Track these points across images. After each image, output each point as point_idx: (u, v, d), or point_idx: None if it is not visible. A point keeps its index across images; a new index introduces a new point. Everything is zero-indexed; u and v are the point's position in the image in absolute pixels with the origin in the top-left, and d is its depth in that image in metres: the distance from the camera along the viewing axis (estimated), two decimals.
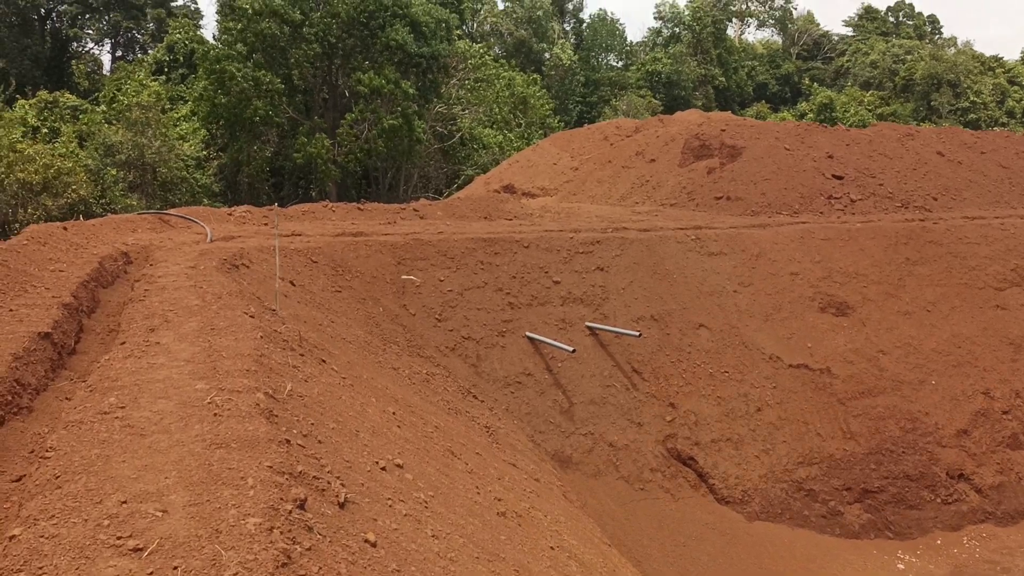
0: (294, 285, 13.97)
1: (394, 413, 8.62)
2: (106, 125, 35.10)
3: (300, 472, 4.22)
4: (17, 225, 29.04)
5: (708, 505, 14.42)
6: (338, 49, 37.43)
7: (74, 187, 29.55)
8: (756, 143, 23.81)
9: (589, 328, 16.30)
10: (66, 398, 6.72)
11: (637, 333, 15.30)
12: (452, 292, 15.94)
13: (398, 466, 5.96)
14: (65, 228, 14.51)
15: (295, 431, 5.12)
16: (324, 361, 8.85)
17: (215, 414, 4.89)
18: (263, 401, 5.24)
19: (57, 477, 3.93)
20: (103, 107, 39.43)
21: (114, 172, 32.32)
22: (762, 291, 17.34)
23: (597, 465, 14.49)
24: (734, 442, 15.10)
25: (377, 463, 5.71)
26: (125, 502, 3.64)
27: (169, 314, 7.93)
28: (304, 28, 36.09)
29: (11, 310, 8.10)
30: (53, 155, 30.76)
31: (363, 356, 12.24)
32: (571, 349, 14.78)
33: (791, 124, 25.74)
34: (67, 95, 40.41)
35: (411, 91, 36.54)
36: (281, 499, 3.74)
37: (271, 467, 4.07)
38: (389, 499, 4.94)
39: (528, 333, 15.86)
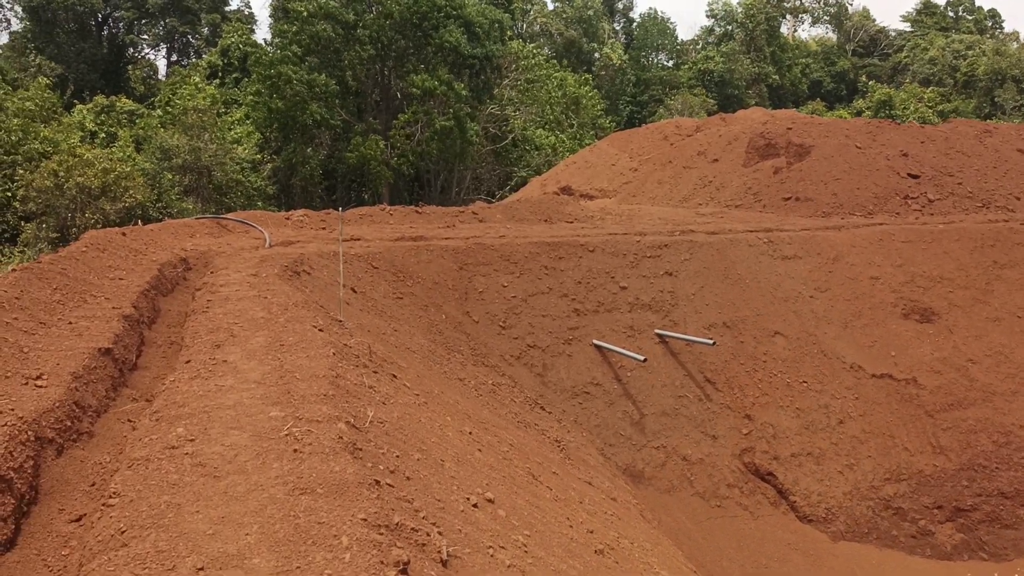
0: (356, 292, 13.53)
1: (471, 433, 8.05)
2: (162, 129, 35.24)
3: (397, 524, 3.67)
4: (75, 229, 29.17)
5: (790, 524, 13.64)
6: (391, 51, 37.14)
7: (132, 191, 29.60)
8: (825, 141, 22.86)
9: (658, 335, 15.61)
10: (128, 420, 6.28)
11: (711, 341, 14.57)
12: (516, 298, 15.37)
13: (489, 501, 5.38)
14: (124, 234, 14.24)
15: (382, 467, 4.57)
16: (395, 377, 8.32)
17: (295, 450, 4.36)
18: (345, 432, 4.70)
19: (123, 532, 3.42)
20: (159, 111, 39.65)
21: (170, 176, 32.39)
22: (840, 297, 16.48)
23: (671, 480, 13.80)
24: (815, 457, 14.29)
25: (468, 499, 5.14)
26: (202, 569, 3.11)
27: (234, 328, 7.46)
28: (358, 30, 35.84)
29: (70, 323, 7.71)
30: (111, 159, 30.88)
31: (429, 367, 11.74)
32: (642, 358, 14.10)
33: (861, 121, 24.71)
34: (124, 99, 40.75)
35: (464, 92, 36.09)
36: (382, 563, 3.18)
37: (365, 520, 3.52)
38: (490, 547, 4.36)
39: (595, 341, 15.23)
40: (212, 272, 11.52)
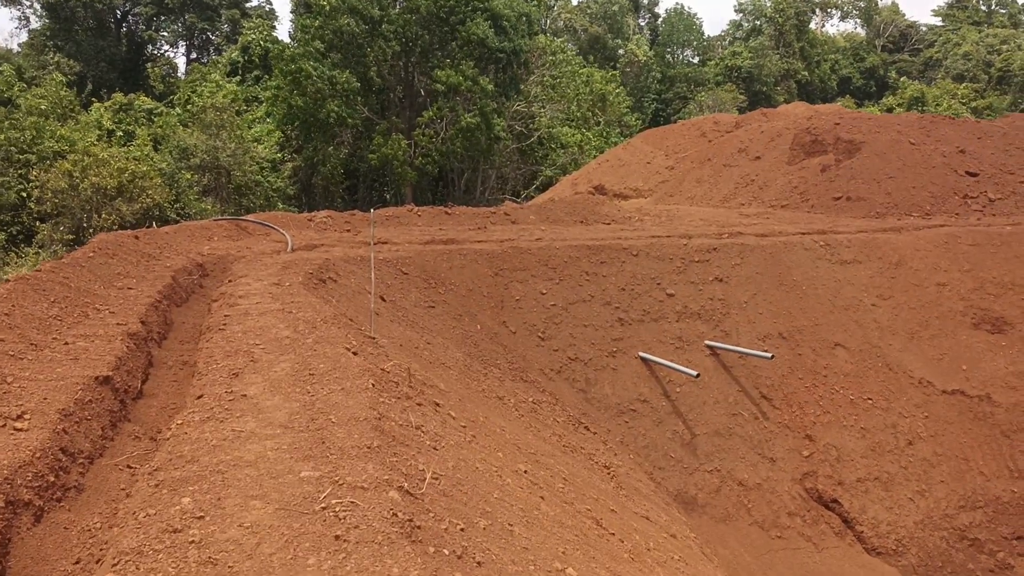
0: (385, 300, 12.49)
1: (526, 472, 6.97)
2: (181, 128, 34.40)
3: None
4: (91, 231, 28.35)
5: (857, 556, 12.46)
6: (416, 46, 36.11)
7: (149, 191, 28.75)
8: (876, 137, 21.61)
9: (709, 347, 14.47)
10: (128, 466, 5.24)
11: (768, 354, 13.41)
12: (556, 306, 14.29)
13: None
14: (136, 237, 13.30)
15: (447, 551, 3.49)
16: (438, 405, 7.25)
17: (336, 536, 3.29)
18: (399, 505, 3.63)
19: None
20: (178, 109, 38.85)
21: (188, 176, 31.53)
22: (905, 305, 15.27)
23: (726, 508, 12.66)
24: (883, 482, 13.11)
25: None
26: None
27: (255, 350, 6.42)
28: (383, 25, 34.83)
29: (67, 344, 6.69)
30: (128, 158, 30.05)
31: (467, 386, 10.69)
32: (695, 373, 12.97)
33: (913, 116, 23.44)
34: (142, 98, 39.99)
35: (490, 87, 34.99)
36: None
37: None
38: None
39: (641, 353, 14.11)
40: (231, 280, 10.50)
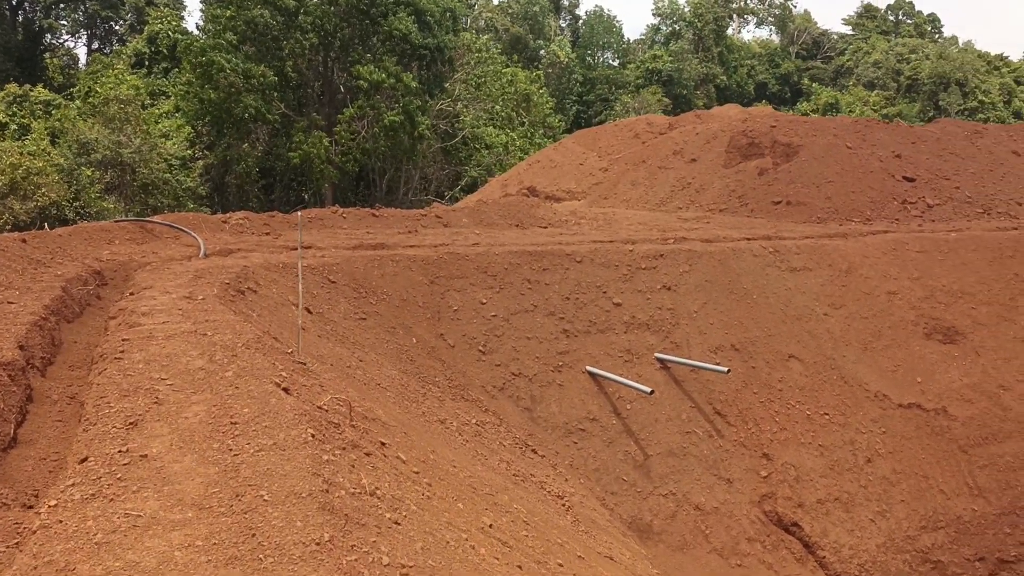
0: (311, 312, 11.23)
1: (491, 526, 5.88)
2: (81, 121, 32.08)
3: None
4: None
5: None
6: (335, 39, 34.53)
7: (45, 189, 26.54)
8: (813, 141, 21.23)
9: (659, 360, 13.62)
10: None
11: (724, 368, 12.62)
12: (496, 317, 13.23)
13: None
14: (24, 241, 11.70)
15: None
16: (384, 445, 6.10)
17: None
18: None
19: None
20: (78, 102, 36.36)
21: (89, 172, 29.31)
22: (857, 314, 14.72)
23: (683, 535, 11.79)
24: (844, 503, 12.45)
25: None
26: None
27: (161, 387, 5.16)
28: (300, 16, 33.16)
29: None
30: (21, 153, 27.74)
31: (405, 408, 9.56)
32: (648, 390, 12.09)
33: (848, 120, 23.19)
34: (39, 89, 37.30)
35: (413, 84, 33.70)
36: None
37: None
38: None
39: (589, 368, 13.17)
40: (132, 293, 9.11)
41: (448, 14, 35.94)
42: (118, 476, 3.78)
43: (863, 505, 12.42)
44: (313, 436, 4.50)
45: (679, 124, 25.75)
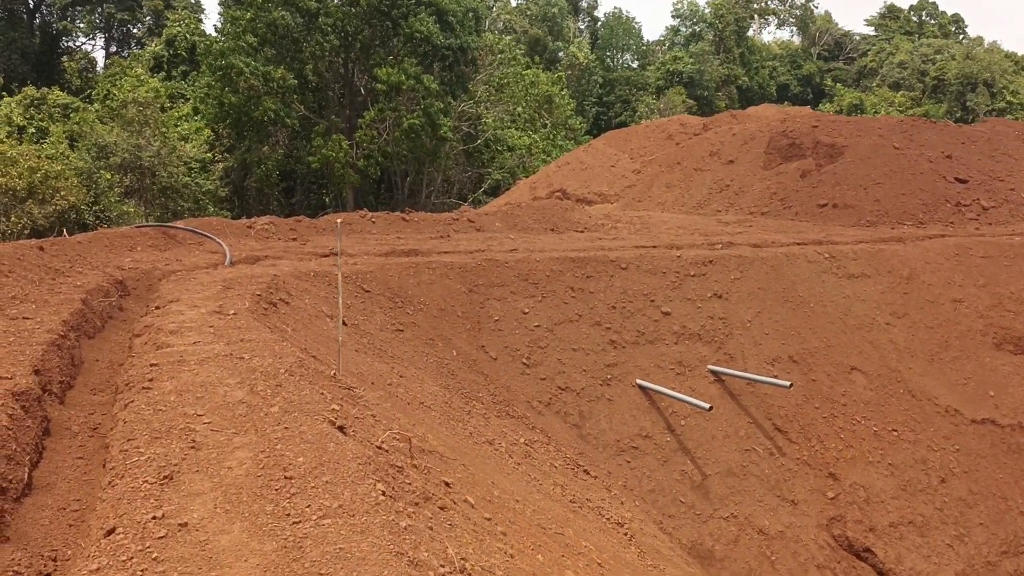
0: (346, 325, 10.46)
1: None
2: (99, 124, 31.52)
3: None
4: None
5: None
6: (356, 41, 33.84)
7: (63, 192, 25.94)
8: (858, 141, 20.32)
9: (713, 373, 12.78)
10: None
11: (787, 383, 11.76)
12: (540, 328, 12.43)
13: None
14: (41, 248, 10.97)
15: None
16: (448, 486, 5.31)
17: None
18: None
19: None
20: (96, 105, 35.84)
21: (108, 176, 28.71)
22: (921, 323, 13.82)
23: (747, 561, 10.94)
24: (918, 526, 11.57)
25: None
26: None
27: (196, 427, 4.39)
28: (320, 18, 32.47)
29: None
30: (40, 157, 27.17)
31: (451, 429, 8.80)
32: (707, 406, 11.25)
33: (893, 119, 22.28)
34: (57, 92, 36.81)
35: (434, 86, 32.94)
36: None
37: None
38: None
39: (639, 381, 12.35)
40: (158, 307, 8.36)
41: (470, 14, 35.20)
42: (153, 555, 3.00)
43: (939, 529, 11.53)
44: (384, 493, 3.71)
45: (714, 125, 24.88)
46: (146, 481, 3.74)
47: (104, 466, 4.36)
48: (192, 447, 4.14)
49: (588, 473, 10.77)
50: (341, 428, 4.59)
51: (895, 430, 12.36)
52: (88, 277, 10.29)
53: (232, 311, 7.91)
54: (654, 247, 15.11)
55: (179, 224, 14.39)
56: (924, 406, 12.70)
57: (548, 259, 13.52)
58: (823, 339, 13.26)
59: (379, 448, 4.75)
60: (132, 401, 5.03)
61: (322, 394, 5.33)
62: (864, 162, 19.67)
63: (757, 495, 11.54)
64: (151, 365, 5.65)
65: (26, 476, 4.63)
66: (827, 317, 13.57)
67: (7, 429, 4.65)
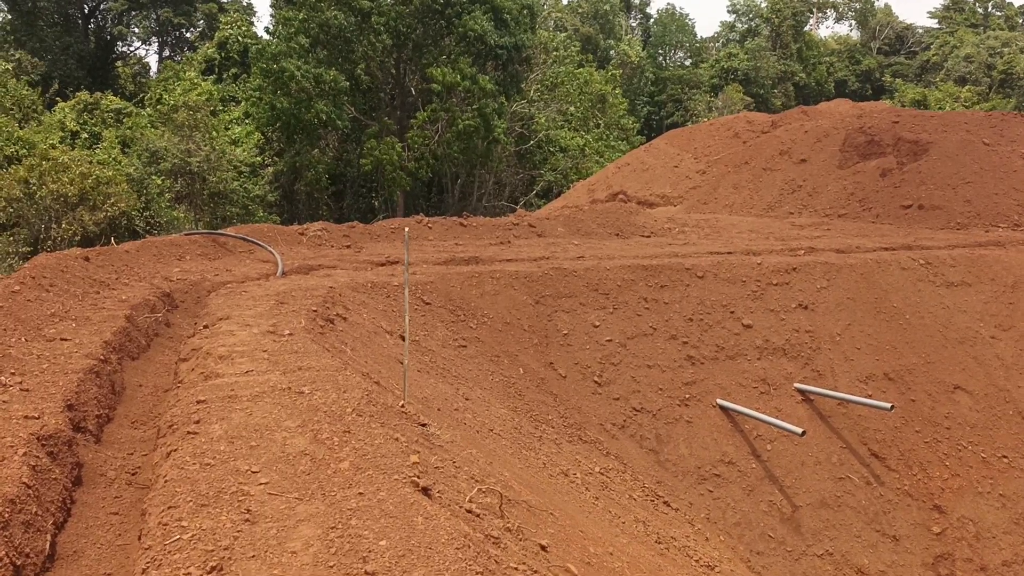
0: (404, 340, 9.67)
1: None
2: (150, 129, 31.33)
3: None
4: (50, 243, 25.29)
5: None
6: (408, 41, 33.22)
7: (114, 199, 25.67)
8: (944, 137, 19.04)
9: (800, 391, 11.76)
10: None
11: (888, 405, 10.69)
12: (612, 343, 11.54)
13: None
14: (87, 259, 10.39)
15: None
16: (545, 550, 4.46)
17: None
18: None
19: None
20: (149, 109, 35.74)
21: (159, 181, 28.44)
22: None
23: None
24: None
25: None
26: None
27: (252, 490, 3.59)
28: (373, 17, 31.89)
29: None
30: (91, 163, 26.97)
31: (525, 461, 7.97)
32: (800, 431, 10.25)
33: (980, 114, 20.92)
34: (110, 97, 36.81)
35: (490, 86, 32.17)
36: None
37: None
38: None
39: (720, 401, 11.39)
40: (207, 326, 7.63)
41: (526, 11, 34.35)
42: None
43: None
44: None
45: (783, 122, 23.70)
46: (188, 573, 2.94)
47: (140, 539, 3.57)
48: (247, 520, 3.34)
49: (668, 505, 9.84)
50: (425, 490, 3.76)
51: (1005, 456, 11.22)
52: (134, 290, 9.66)
53: (287, 331, 7.15)
54: (729, 253, 14.13)
55: (230, 231, 13.77)
56: None
57: (618, 267, 12.62)
58: (922, 355, 12.15)
59: (470, 513, 3.91)
60: (176, 450, 4.26)
61: (397, 439, 4.51)
62: (951, 160, 18.41)
63: (854, 530, 10.50)
64: (198, 402, 4.88)
65: (47, 546, 3.87)
66: (925, 330, 12.45)
67: (28, 488, 3.90)
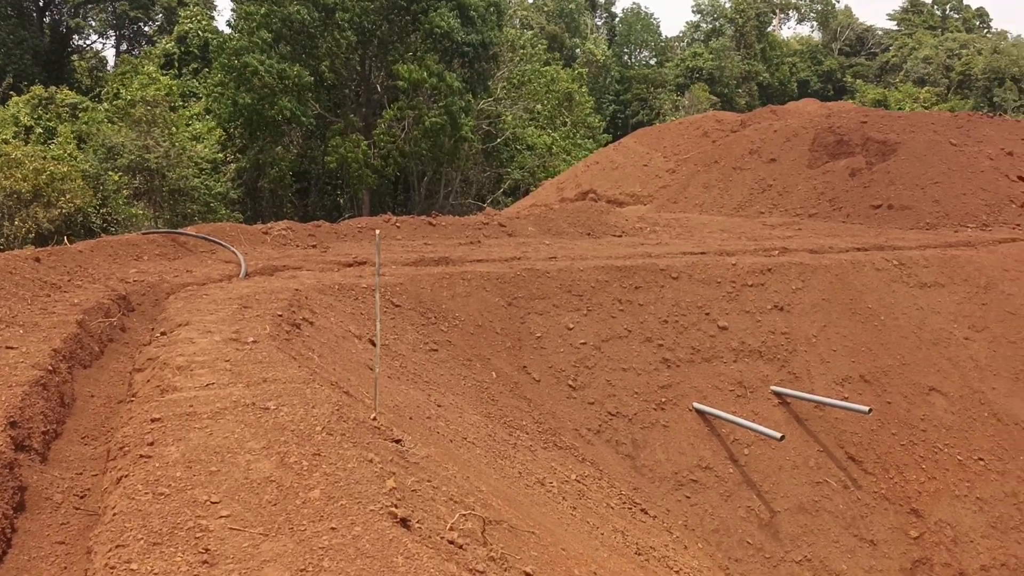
0: (374, 345, 9.33)
1: None
2: (107, 124, 30.50)
3: None
4: (3, 241, 24.50)
5: None
6: (374, 37, 32.70)
7: (69, 195, 24.92)
8: (912, 137, 19.06)
9: (776, 394, 11.58)
10: None
11: (866, 408, 10.54)
12: (586, 345, 11.27)
13: None
14: (38, 259, 9.91)
15: None
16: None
17: None
18: None
19: None
20: (106, 104, 34.84)
21: (116, 177, 27.66)
22: (1003, 338, 12.59)
23: None
24: (1012, 569, 10.35)
25: None
26: None
27: (210, 524, 3.24)
28: (337, 13, 31.33)
29: None
30: (45, 158, 26.16)
31: (500, 470, 7.69)
32: (779, 436, 10.06)
33: (946, 114, 21.00)
34: (65, 91, 35.84)
35: (456, 84, 31.77)
36: None
37: None
38: None
39: (696, 404, 11.16)
40: (164, 332, 7.22)
41: (493, 8, 33.99)
42: None
43: None
44: None
45: (752, 121, 23.63)
46: None
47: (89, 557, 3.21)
48: (204, 561, 2.99)
49: (646, 513, 9.60)
50: (404, 522, 3.43)
51: (981, 459, 11.13)
52: (88, 293, 9.18)
53: (251, 338, 6.77)
54: (703, 254, 13.94)
55: (190, 230, 13.27)
56: (1012, 431, 11.46)
57: (592, 268, 12.35)
58: (897, 356, 12.04)
59: (452, 544, 3.59)
60: (126, 476, 3.88)
61: (371, 460, 4.18)
62: (920, 160, 18.42)
63: (832, 535, 10.33)
64: (152, 420, 4.50)
65: None
66: (900, 331, 12.35)
67: None
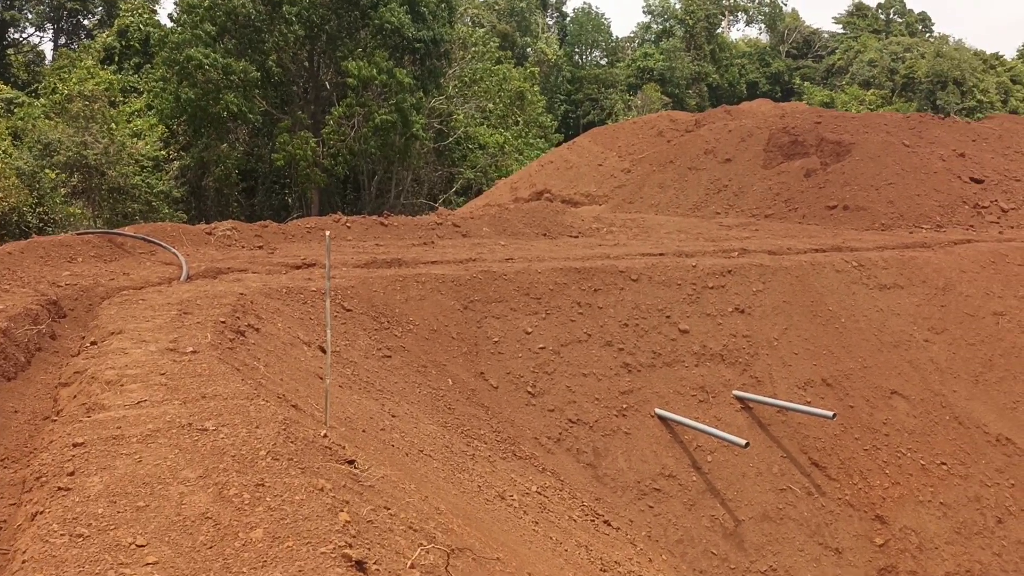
0: (325, 352, 8.84)
1: None
2: (44, 120, 29.35)
3: None
4: None
5: None
6: (322, 32, 31.99)
7: (3, 194, 23.85)
8: (865, 138, 19.09)
9: (738, 399, 11.35)
10: None
11: (830, 413, 10.35)
12: (545, 350, 10.92)
13: None
14: None
15: None
16: None
17: None
18: None
19: None
20: (43, 100, 33.58)
21: (53, 175, 26.59)
22: (962, 340, 12.53)
23: None
24: (976, 575, 10.23)
25: None
26: None
27: (133, 573, 2.77)
28: (284, 6, 30.56)
29: None
30: None
31: (459, 485, 7.28)
32: (743, 443, 9.80)
33: (898, 116, 21.13)
34: (0, 86, 34.48)
35: (407, 81, 31.23)
36: None
37: None
38: None
39: (658, 411, 10.88)
40: (95, 342, 6.68)
41: (444, 4, 33.51)
42: None
43: None
44: None
45: (707, 121, 23.52)
46: None
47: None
48: None
49: (609, 524, 9.26)
50: (360, 564, 3.01)
51: (944, 463, 11.02)
52: (15, 298, 8.55)
53: (190, 348, 6.27)
54: (662, 255, 13.69)
55: (128, 230, 12.60)
56: (973, 434, 11.39)
57: (550, 270, 12.01)
58: (858, 359, 11.90)
59: None
60: (42, 512, 3.39)
61: (321, 489, 3.74)
62: (874, 161, 18.43)
63: (797, 543, 10.12)
64: (75, 445, 4.00)
65: None
66: (860, 334, 12.21)
67: None
